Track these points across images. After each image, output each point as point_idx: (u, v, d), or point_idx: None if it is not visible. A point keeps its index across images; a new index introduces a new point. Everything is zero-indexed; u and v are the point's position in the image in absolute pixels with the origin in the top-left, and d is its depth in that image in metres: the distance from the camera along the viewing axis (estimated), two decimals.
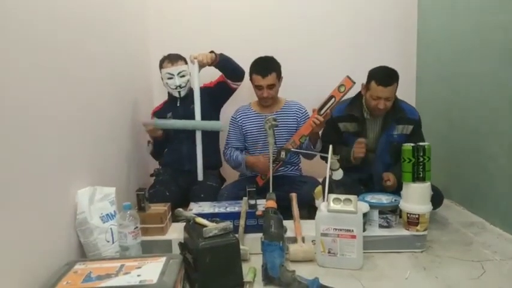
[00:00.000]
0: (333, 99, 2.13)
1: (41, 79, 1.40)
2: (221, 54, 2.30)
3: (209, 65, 2.30)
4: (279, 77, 2.35)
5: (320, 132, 2.30)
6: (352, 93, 2.29)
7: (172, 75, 2.33)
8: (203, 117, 2.32)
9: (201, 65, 2.28)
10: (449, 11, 2.53)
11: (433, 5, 2.74)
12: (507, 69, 2.01)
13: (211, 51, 2.30)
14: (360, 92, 2.27)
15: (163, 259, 1.41)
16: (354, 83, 2.10)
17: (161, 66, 2.38)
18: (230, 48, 2.46)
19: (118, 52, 2.23)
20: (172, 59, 2.35)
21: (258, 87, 2.33)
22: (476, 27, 2.25)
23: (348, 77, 2.11)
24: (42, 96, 1.40)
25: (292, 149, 2.26)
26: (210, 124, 2.33)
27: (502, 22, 2.02)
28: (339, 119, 2.27)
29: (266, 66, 2.31)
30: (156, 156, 2.56)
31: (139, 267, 1.36)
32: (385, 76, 2.11)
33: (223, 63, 2.30)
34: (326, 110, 2.15)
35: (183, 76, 2.35)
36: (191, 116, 2.32)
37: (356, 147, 2.15)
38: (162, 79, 2.40)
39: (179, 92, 2.37)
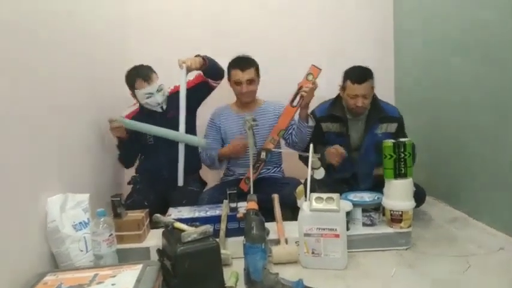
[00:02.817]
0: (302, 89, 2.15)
1: (11, 82, 1.33)
2: (208, 58, 2.25)
3: (197, 70, 2.24)
4: (258, 74, 2.32)
5: None
6: (332, 94, 2.32)
7: (152, 93, 2.21)
8: (179, 120, 2.23)
9: (189, 70, 2.20)
10: (425, 11, 2.54)
11: (409, 5, 2.76)
12: (486, 66, 2.02)
13: (197, 55, 2.24)
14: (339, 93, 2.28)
15: (140, 266, 1.36)
16: (320, 69, 2.14)
17: (133, 86, 2.21)
18: (210, 54, 2.41)
19: (95, 57, 2.16)
20: (145, 76, 2.19)
21: (237, 83, 2.29)
22: (455, 25, 2.26)
23: (314, 65, 2.15)
24: (11, 99, 1.34)
25: (273, 149, 2.22)
26: (194, 140, 2.26)
27: (481, 19, 2.03)
28: (322, 119, 2.27)
29: (245, 61, 2.29)
30: (124, 162, 2.41)
31: (113, 276, 1.30)
32: (358, 74, 2.14)
33: (210, 66, 2.25)
34: (299, 101, 2.17)
35: (161, 90, 2.23)
36: (168, 123, 2.23)
37: (331, 154, 2.13)
38: (135, 98, 2.27)
39: (161, 107, 2.27)
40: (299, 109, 2.21)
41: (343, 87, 2.20)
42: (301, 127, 2.20)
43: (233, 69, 2.29)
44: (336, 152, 2.12)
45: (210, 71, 2.28)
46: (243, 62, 2.28)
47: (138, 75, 2.20)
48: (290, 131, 2.30)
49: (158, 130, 2.21)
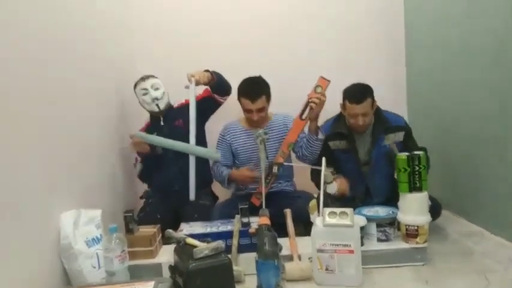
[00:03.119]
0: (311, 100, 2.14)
1: (23, 98, 1.35)
2: (216, 74, 2.28)
3: (205, 84, 2.27)
4: (268, 99, 2.30)
5: None
6: (335, 112, 2.30)
7: (146, 89, 2.29)
8: (188, 133, 2.25)
9: (197, 84, 2.24)
10: (435, 18, 2.53)
11: (419, 13, 2.74)
12: (496, 74, 1.99)
13: (207, 70, 2.27)
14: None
15: (152, 283, 1.35)
16: (329, 81, 2.13)
17: (135, 88, 2.34)
18: (218, 61, 2.45)
19: (106, 72, 2.20)
20: (144, 76, 2.33)
21: (247, 111, 2.28)
22: (463, 32, 2.24)
23: (322, 76, 2.14)
24: (25, 114, 1.35)
25: (284, 163, 2.21)
26: (207, 152, 2.28)
27: (489, 26, 2.01)
28: (328, 138, 2.26)
29: (255, 90, 2.24)
30: (144, 178, 2.45)
31: None
32: (356, 93, 2.13)
33: (218, 82, 2.28)
34: (308, 114, 2.16)
35: (158, 89, 2.31)
36: (176, 134, 2.27)
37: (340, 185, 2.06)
38: (139, 102, 2.34)
39: (157, 105, 2.31)
40: (308, 122, 2.20)
41: (343, 106, 2.20)
42: (311, 140, 2.19)
43: (243, 97, 2.26)
44: (339, 186, 2.04)
45: (217, 87, 2.31)
46: (253, 92, 2.24)
47: (142, 78, 2.34)
48: (300, 144, 2.29)
49: (174, 143, 2.25)
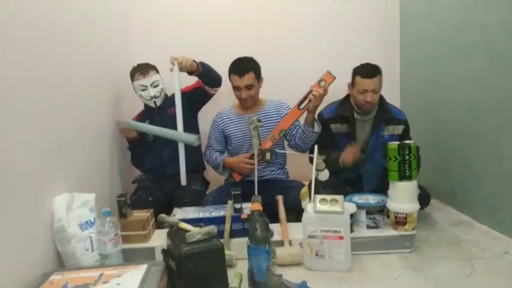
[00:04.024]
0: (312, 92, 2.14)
1: (14, 82, 1.34)
2: (202, 64, 2.25)
3: (188, 73, 2.25)
4: (258, 77, 2.30)
5: None
6: (341, 95, 2.33)
7: (146, 86, 2.29)
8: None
9: (182, 70, 2.21)
10: (430, 11, 2.54)
11: (414, 6, 2.75)
12: (488, 68, 2.02)
13: (194, 61, 2.23)
14: (348, 94, 2.30)
15: (145, 267, 1.36)
16: (335, 78, 2.12)
17: (133, 79, 2.32)
18: (212, 50, 2.46)
19: (100, 56, 2.18)
20: (143, 70, 2.29)
21: (236, 88, 2.29)
22: (457, 27, 2.26)
23: (329, 72, 2.13)
24: (17, 97, 1.34)
25: (277, 151, 2.23)
26: (184, 136, 2.24)
27: (482, 22, 2.03)
28: (330, 120, 2.28)
29: (243, 66, 2.25)
30: (136, 164, 2.51)
31: (119, 276, 1.30)
32: (368, 69, 2.18)
33: (203, 72, 2.26)
34: (306, 104, 2.16)
35: (157, 86, 2.31)
36: (168, 122, 2.27)
37: (346, 153, 2.14)
38: (135, 91, 2.35)
39: (155, 102, 2.32)
40: (305, 113, 2.21)
41: (352, 84, 2.22)
42: (306, 131, 2.20)
43: (231, 74, 2.28)
44: (350, 152, 2.13)
45: (205, 77, 2.30)
46: (240, 67, 2.25)
47: (138, 68, 2.32)
48: (293, 132, 2.30)
49: (154, 129, 2.28)
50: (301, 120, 2.29)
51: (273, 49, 2.79)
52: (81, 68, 1.89)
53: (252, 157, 2.21)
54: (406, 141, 1.90)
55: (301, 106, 2.19)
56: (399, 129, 2.26)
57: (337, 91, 2.28)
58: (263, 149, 2.18)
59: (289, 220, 1.92)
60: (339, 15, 2.89)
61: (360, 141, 2.27)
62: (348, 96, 2.31)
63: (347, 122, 2.26)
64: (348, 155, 2.14)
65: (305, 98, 2.17)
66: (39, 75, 1.50)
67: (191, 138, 2.24)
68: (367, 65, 2.20)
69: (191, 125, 2.35)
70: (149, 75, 2.29)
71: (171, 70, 2.20)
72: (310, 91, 2.15)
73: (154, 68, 2.33)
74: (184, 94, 2.28)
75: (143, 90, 2.30)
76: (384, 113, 2.24)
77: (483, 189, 2.12)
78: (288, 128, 2.27)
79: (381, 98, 2.25)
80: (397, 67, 2.97)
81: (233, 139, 2.39)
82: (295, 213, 2.03)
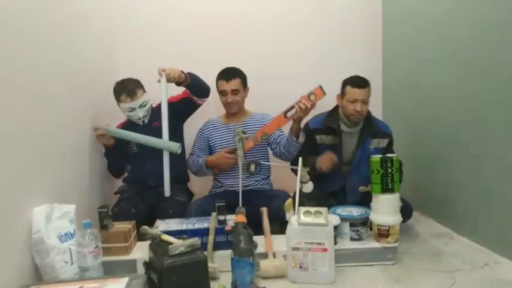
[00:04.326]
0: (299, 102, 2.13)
1: None
2: (190, 75, 2.25)
3: (176, 84, 2.24)
4: (244, 84, 2.37)
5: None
6: (329, 107, 2.37)
7: (134, 108, 2.24)
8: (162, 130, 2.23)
9: (169, 80, 2.19)
10: (412, 24, 2.61)
11: (396, 18, 2.82)
12: (468, 81, 2.07)
13: (182, 71, 2.22)
14: (336, 105, 2.33)
15: (126, 280, 1.33)
16: (325, 94, 2.09)
17: (118, 99, 2.25)
18: (200, 60, 2.48)
19: (81, 65, 2.14)
20: (130, 92, 2.21)
21: (222, 93, 2.34)
22: (439, 39, 2.32)
23: (320, 86, 2.10)
24: None
25: (262, 162, 2.23)
26: (167, 144, 2.21)
27: (461, 36, 2.09)
28: (317, 131, 2.31)
29: (230, 72, 2.34)
30: (113, 171, 2.43)
31: None
32: (359, 79, 2.24)
33: (192, 83, 2.25)
34: (292, 114, 2.14)
35: (145, 106, 2.26)
36: (153, 133, 2.24)
37: (323, 158, 2.18)
38: (120, 109, 2.29)
39: (143, 121, 2.29)
40: (291, 122, 2.21)
41: (342, 94, 2.26)
42: (290, 140, 2.21)
43: (219, 80, 2.35)
44: (327, 157, 2.16)
45: (193, 88, 2.29)
46: (228, 73, 2.34)
47: (123, 90, 2.23)
48: (278, 140, 2.31)
49: (136, 136, 2.24)
50: (287, 128, 2.28)
51: (261, 58, 2.81)
52: (60, 75, 1.85)
53: (231, 152, 2.24)
54: (389, 155, 1.92)
55: (287, 115, 2.19)
56: (384, 142, 2.30)
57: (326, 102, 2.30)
58: (248, 161, 2.18)
59: (273, 230, 1.92)
60: (321, 24, 2.92)
61: (346, 154, 2.30)
62: (336, 108, 2.34)
63: (333, 134, 2.29)
64: (325, 160, 2.16)
65: (292, 107, 2.17)
66: (16, 83, 1.46)
67: (173, 145, 2.21)
68: (357, 76, 2.26)
69: (177, 136, 2.33)
70: (137, 97, 2.23)
71: (159, 81, 2.18)
72: (298, 102, 2.15)
73: (140, 87, 2.27)
74: (171, 104, 2.25)
75: (131, 111, 2.24)
76: (370, 126, 2.29)
77: (464, 202, 2.16)
78: (271, 132, 2.29)
79: (368, 112, 2.29)
80: (380, 80, 3.02)
81: (216, 146, 2.39)
82: (279, 223, 2.02)
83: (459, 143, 2.18)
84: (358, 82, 2.21)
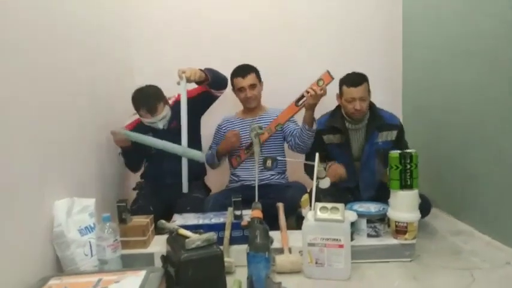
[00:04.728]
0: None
1: (17, 85, 1.35)
2: (209, 71, 2.25)
3: (196, 83, 2.25)
4: (259, 78, 2.40)
5: None
6: (331, 106, 2.35)
7: (155, 122, 2.24)
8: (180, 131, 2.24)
9: (189, 81, 2.20)
10: (433, 18, 2.55)
11: (417, 13, 2.76)
12: (490, 77, 2.01)
13: (200, 69, 2.23)
14: (338, 104, 2.32)
15: (143, 273, 1.36)
16: (333, 78, 2.12)
17: (138, 112, 2.24)
18: (215, 59, 2.48)
19: (99, 62, 2.18)
20: (150, 107, 2.18)
21: (240, 90, 2.37)
22: (460, 35, 2.26)
23: (328, 71, 2.12)
24: (16, 101, 1.35)
25: (279, 158, 2.23)
26: (192, 153, 2.23)
27: (484, 31, 2.04)
28: (322, 132, 2.30)
29: (245, 68, 2.38)
30: (131, 168, 2.45)
31: (117, 282, 1.30)
32: (354, 77, 2.21)
33: (213, 80, 2.26)
34: (303, 102, 2.18)
35: (164, 118, 2.25)
36: (170, 133, 2.25)
37: (331, 170, 2.15)
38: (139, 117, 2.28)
39: (163, 129, 2.28)
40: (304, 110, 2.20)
41: (340, 94, 2.25)
42: (303, 129, 2.20)
43: (235, 78, 2.38)
44: (335, 170, 2.14)
45: (213, 83, 2.30)
46: (242, 70, 2.37)
47: (143, 105, 2.19)
48: (294, 133, 2.31)
49: (157, 142, 2.22)
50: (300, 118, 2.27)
51: (276, 54, 2.80)
52: (81, 72, 1.90)
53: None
54: (408, 150, 1.89)
55: (299, 103, 2.22)
56: (393, 134, 2.26)
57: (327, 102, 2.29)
58: (265, 156, 2.18)
59: (289, 227, 1.92)
60: (341, 21, 2.89)
61: (355, 150, 2.29)
62: (338, 107, 2.33)
63: (339, 133, 2.28)
64: (331, 174, 2.11)
65: (303, 95, 2.19)
66: (40, 80, 1.51)
67: (197, 154, 2.25)
68: (353, 74, 2.23)
69: (193, 133, 2.33)
70: (157, 113, 2.20)
71: (178, 84, 2.19)
72: (307, 89, 2.14)
73: (161, 100, 2.23)
74: (189, 100, 2.24)
75: (151, 124, 2.24)
76: (375, 120, 2.26)
77: (484, 199, 2.11)
78: (284, 122, 2.33)
79: (372, 105, 2.27)
80: (400, 74, 2.96)
81: None
82: (295, 218, 2.02)
83: (480, 137, 2.12)
84: (353, 81, 2.18)
